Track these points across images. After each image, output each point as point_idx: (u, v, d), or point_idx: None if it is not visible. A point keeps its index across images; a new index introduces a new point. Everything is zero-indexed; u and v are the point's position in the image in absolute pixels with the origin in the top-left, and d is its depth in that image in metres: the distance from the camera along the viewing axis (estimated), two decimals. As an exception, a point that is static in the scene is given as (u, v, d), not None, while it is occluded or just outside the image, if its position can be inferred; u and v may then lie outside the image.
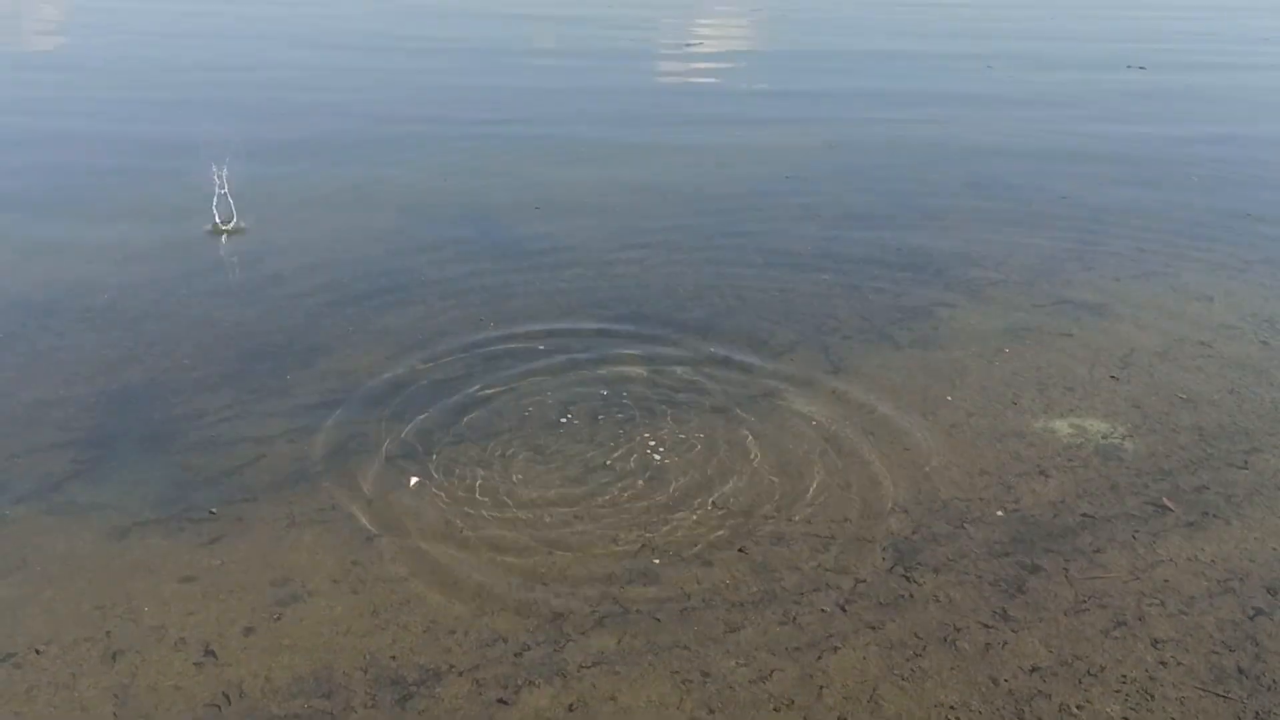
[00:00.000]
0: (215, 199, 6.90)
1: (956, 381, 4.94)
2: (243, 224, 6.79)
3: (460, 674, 3.08)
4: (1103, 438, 4.45)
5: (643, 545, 3.69)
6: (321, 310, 5.72)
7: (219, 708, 2.96)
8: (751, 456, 4.26)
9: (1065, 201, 7.35)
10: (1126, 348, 5.30)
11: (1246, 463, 4.28)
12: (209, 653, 3.16)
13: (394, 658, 3.15)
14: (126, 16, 12.35)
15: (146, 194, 7.34)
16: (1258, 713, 2.99)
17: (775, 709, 2.96)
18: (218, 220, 6.79)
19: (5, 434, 4.40)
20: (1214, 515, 3.92)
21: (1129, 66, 10.50)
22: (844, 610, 3.37)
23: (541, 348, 5.25)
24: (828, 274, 6.27)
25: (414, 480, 4.10)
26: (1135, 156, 8.29)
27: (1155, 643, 3.23)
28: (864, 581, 3.51)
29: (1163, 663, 3.15)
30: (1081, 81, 10.12)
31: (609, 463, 4.22)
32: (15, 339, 5.33)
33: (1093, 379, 4.97)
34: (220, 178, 6.82)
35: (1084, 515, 3.90)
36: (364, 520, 3.83)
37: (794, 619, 3.32)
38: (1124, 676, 3.09)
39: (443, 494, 3.99)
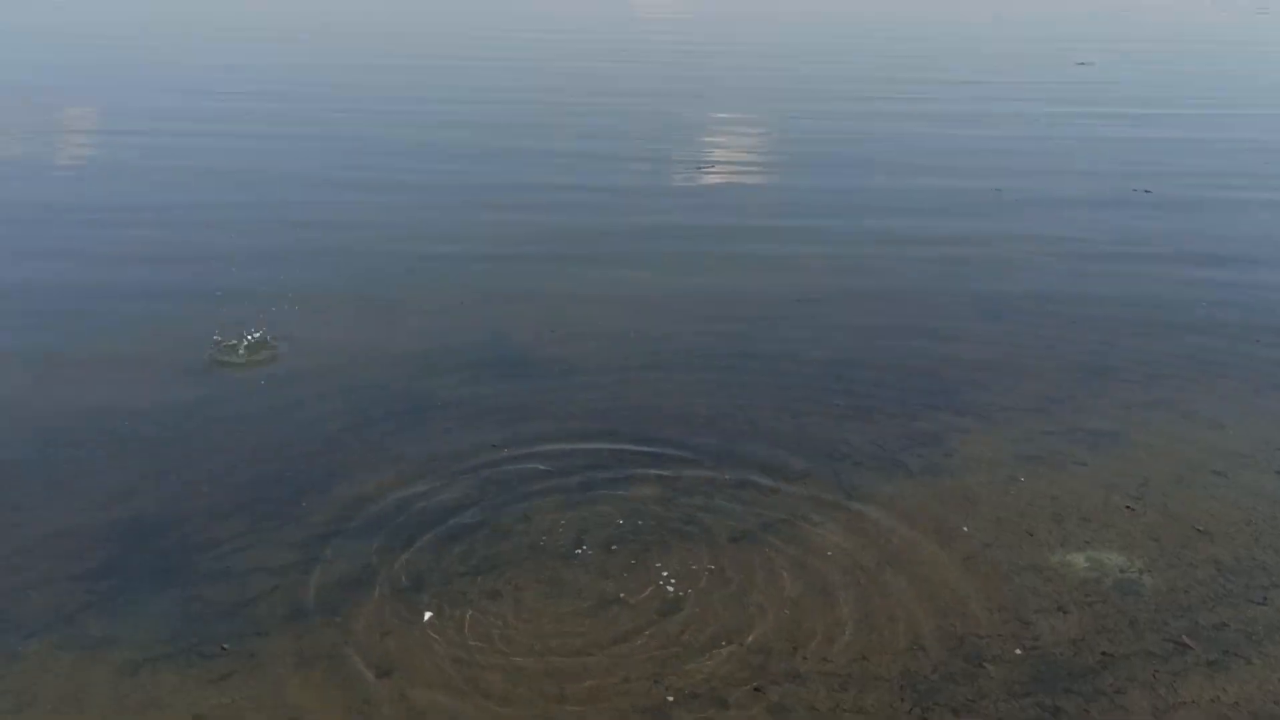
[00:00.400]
0: (241, 336, 6.99)
1: (971, 511, 4.93)
2: (260, 350, 6.86)
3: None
4: (1120, 571, 4.42)
5: (655, 684, 3.66)
6: (337, 434, 5.76)
7: None
8: (767, 590, 4.24)
9: (1075, 326, 7.41)
10: (1140, 477, 5.29)
11: (1265, 598, 4.24)
12: (218, 797, 3.12)
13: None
14: (131, 127, 12.68)
15: (164, 316, 7.44)
16: None
17: None
18: (235, 344, 6.86)
19: (20, 565, 4.41)
20: (1235, 654, 3.88)
21: (1135, 189, 10.67)
22: (862, 755, 3.32)
23: (556, 472, 5.26)
24: (839, 398, 6.29)
25: (427, 615, 4.08)
26: (1142, 280, 8.37)
27: (1180, 791, 3.17)
28: (882, 724, 3.47)
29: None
30: (1088, 202, 10.28)
31: (623, 595, 4.20)
32: (33, 465, 5.37)
33: (1108, 509, 4.95)
34: (258, 325, 6.92)
35: (1104, 654, 3.86)
36: (375, 658, 3.81)
37: (811, 764, 3.27)
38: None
39: (454, 631, 3.97)
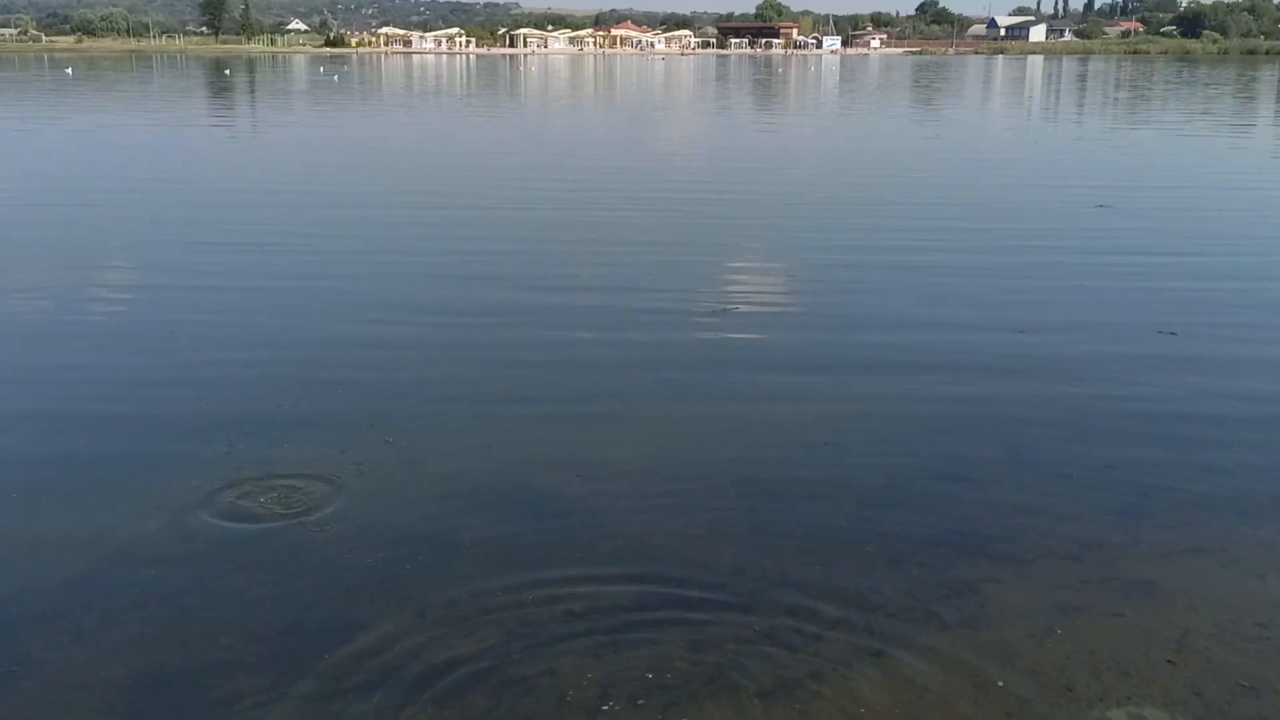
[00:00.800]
0: (261, 481, 7.02)
1: (1007, 664, 4.81)
2: (281, 495, 6.87)
3: None
4: (1164, 730, 4.28)
5: None
6: (358, 579, 5.72)
7: None
8: (798, 749, 4.12)
9: (1108, 472, 7.33)
10: (1180, 629, 5.16)
11: (1319, 760, 4.09)
12: None
13: None
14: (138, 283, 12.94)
15: (183, 460, 7.49)
16: None
17: None
18: (256, 490, 6.88)
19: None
20: (1290, 821, 3.71)
21: (1160, 332, 10.67)
22: None
23: (581, 617, 5.19)
24: (869, 544, 6.22)
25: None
26: (1172, 425, 8.31)
27: None
28: None
29: None
30: (1112, 342, 10.29)
31: (650, 755, 4.10)
32: (58, 616, 5.34)
33: (1148, 663, 4.82)
34: (279, 470, 6.96)
35: (1151, 820, 3.71)
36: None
37: None
38: None
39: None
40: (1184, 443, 7.91)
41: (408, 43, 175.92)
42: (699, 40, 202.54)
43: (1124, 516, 6.63)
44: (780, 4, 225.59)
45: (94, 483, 7.11)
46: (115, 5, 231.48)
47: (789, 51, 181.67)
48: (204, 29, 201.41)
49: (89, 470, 7.32)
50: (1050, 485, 7.14)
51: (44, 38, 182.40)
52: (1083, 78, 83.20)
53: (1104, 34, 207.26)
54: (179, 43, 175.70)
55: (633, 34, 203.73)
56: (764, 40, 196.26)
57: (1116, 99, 55.42)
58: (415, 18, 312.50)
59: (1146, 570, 5.85)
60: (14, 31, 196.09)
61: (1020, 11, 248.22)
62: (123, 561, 5.97)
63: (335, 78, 74.28)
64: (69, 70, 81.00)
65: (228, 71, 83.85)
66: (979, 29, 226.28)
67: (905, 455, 7.66)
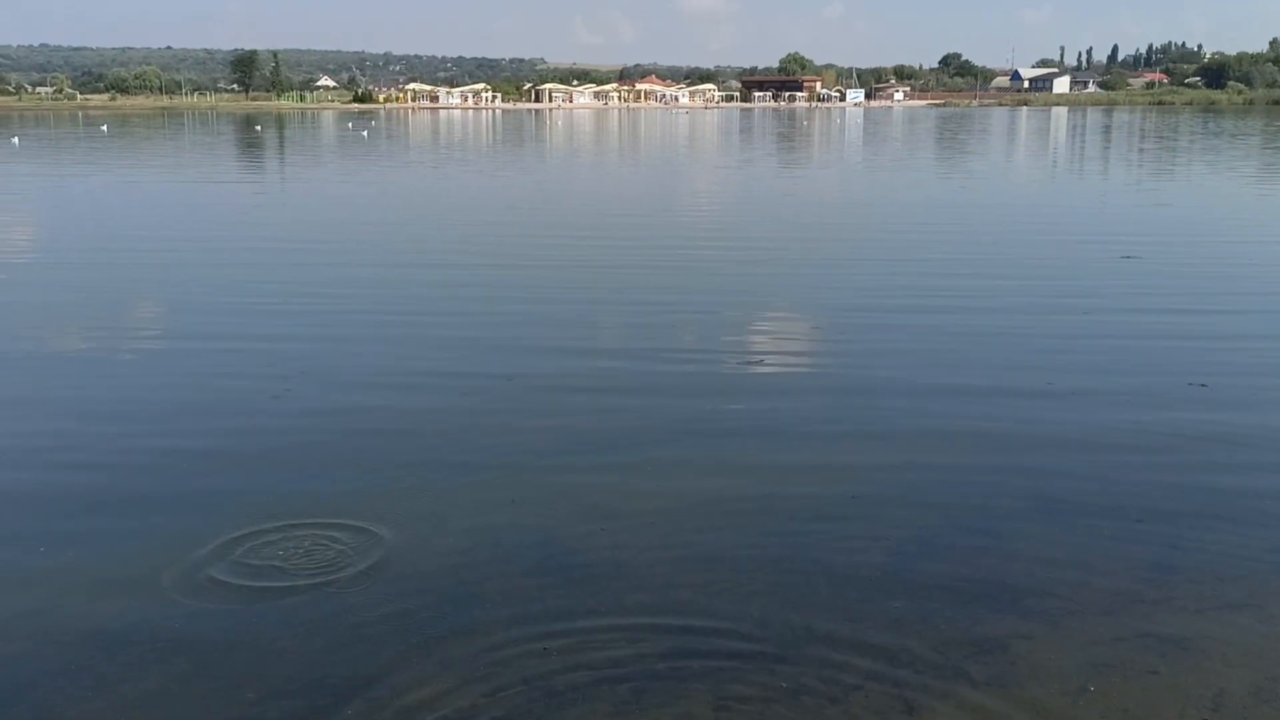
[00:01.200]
0: (283, 540, 7.03)
1: (1039, 724, 4.72)
2: (304, 553, 6.86)
3: None
4: (1202, 792, 4.18)
5: None
6: (386, 637, 5.69)
7: None
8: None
9: (1140, 525, 7.24)
10: (1216, 687, 5.06)
11: (1363, 824, 3.98)
12: None
13: None
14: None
15: (198, 520, 7.51)
16: None
17: None
18: (279, 549, 6.87)
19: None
20: None
21: (1190, 384, 10.58)
22: None
23: (606, 672, 5.14)
24: (898, 599, 6.15)
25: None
26: (1204, 477, 8.21)
27: None
28: None
29: None
30: (1141, 394, 10.21)
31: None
32: (81, 668, 5.34)
33: (1184, 722, 4.73)
34: (300, 527, 6.97)
35: None
36: None
37: None
38: None
39: None
40: (1216, 495, 7.81)
41: (434, 98, 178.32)
42: (723, 94, 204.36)
43: (1156, 571, 6.53)
44: (803, 58, 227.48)
45: (119, 533, 7.14)
46: (149, 64, 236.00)
47: (812, 104, 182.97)
48: (235, 86, 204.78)
49: (115, 520, 7.35)
50: (1080, 539, 7.04)
51: (79, 96, 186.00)
52: (1108, 129, 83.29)
53: (1128, 85, 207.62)
54: (210, 100, 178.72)
55: (657, 88, 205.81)
56: (787, 93, 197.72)
57: (1142, 150, 55.42)
58: (442, 73, 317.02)
59: (1180, 626, 5.75)
60: (50, 90, 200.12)
61: (1043, 63, 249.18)
62: (147, 613, 5.97)
63: (364, 133, 75.24)
64: (104, 127, 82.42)
65: (258, 128, 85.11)
66: (1002, 81, 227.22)
67: (933, 508, 7.59)
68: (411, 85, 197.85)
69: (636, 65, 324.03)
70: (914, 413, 9.75)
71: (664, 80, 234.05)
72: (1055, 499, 7.72)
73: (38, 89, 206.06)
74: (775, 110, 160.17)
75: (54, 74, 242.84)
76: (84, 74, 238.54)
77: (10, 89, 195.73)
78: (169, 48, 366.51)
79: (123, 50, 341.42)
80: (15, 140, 62.56)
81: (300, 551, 6.77)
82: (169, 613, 5.98)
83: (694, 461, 8.51)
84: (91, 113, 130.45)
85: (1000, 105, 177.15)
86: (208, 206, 28.39)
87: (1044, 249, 20.07)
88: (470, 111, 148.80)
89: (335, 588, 6.32)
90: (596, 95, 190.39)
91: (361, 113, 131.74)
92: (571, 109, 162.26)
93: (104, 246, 20.71)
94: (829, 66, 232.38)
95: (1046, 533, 7.15)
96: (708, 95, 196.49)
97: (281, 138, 71.80)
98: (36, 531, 7.16)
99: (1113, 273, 17.03)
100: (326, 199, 31.41)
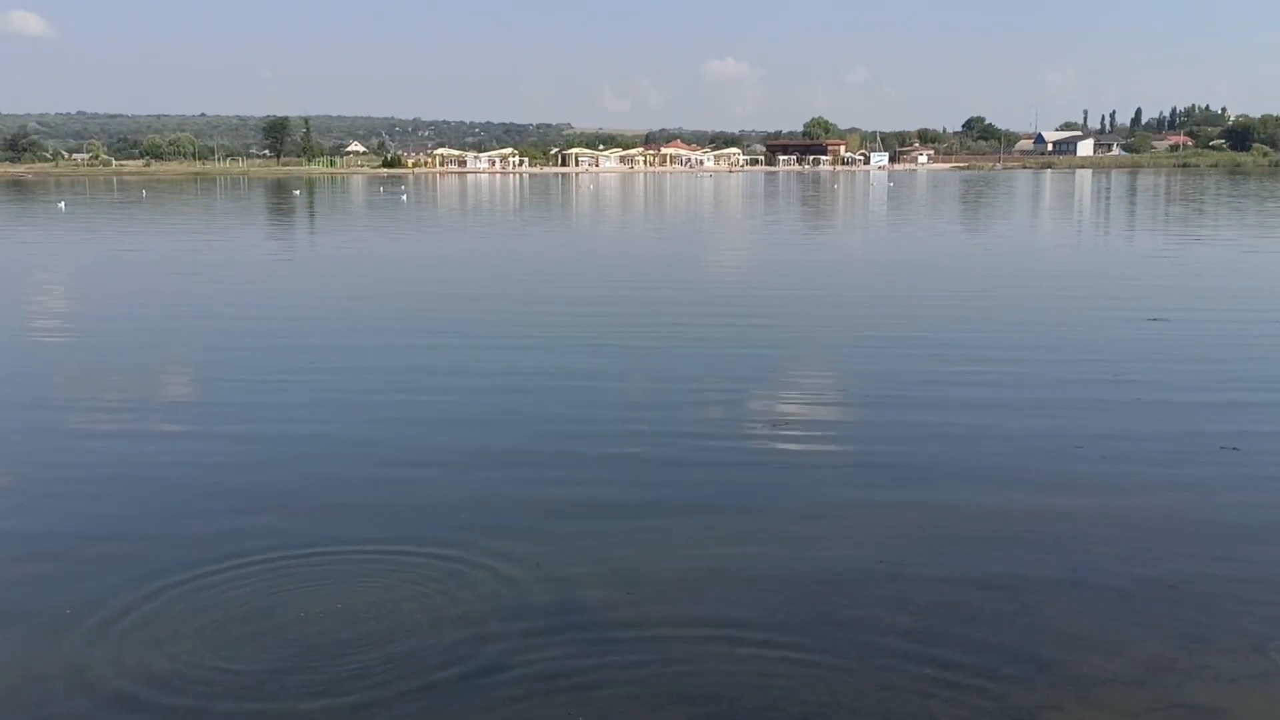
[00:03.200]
0: (303, 599, 7.02)
1: (1071, 797, 4.63)
2: (321, 606, 6.85)
3: None
4: None
5: None
6: (403, 709, 5.66)
7: None
8: None
9: (1173, 592, 7.14)
10: (1254, 760, 4.95)
11: None
12: None
13: None
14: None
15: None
16: None
17: None
18: (299, 608, 6.87)
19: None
20: None
21: (1221, 447, 10.46)
22: None
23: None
24: (926, 667, 6.07)
25: None
26: (1236, 544, 8.09)
27: None
28: None
29: None
30: (1172, 457, 10.11)
31: None
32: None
33: (1221, 797, 4.62)
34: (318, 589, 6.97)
35: None
36: None
37: None
38: None
39: None
40: (1248, 562, 7.70)
41: (462, 163, 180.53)
42: (747, 157, 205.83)
43: (1189, 640, 6.43)
44: (827, 121, 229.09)
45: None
46: (183, 129, 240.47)
47: (836, 168, 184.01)
48: (266, 151, 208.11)
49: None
50: (1111, 606, 6.95)
51: (114, 162, 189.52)
52: (1133, 191, 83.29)
53: (1152, 148, 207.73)
54: (242, 165, 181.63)
55: (682, 152, 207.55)
56: (812, 157, 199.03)
57: (1168, 213, 55.34)
58: (470, 138, 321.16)
59: (1214, 697, 5.65)
60: (85, 156, 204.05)
61: (1067, 126, 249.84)
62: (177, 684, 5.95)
63: (404, 198, 76.41)
64: (143, 193, 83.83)
65: (297, 192, 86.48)
66: (1026, 144, 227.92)
67: (960, 573, 7.51)
68: (440, 150, 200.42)
69: (662, 129, 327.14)
70: (938, 476, 9.67)
71: (689, 144, 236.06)
72: (1085, 566, 7.63)
73: (74, 155, 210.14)
74: (800, 173, 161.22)
75: (89, 140, 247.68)
76: (119, 140, 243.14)
77: (47, 155, 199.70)
78: (203, 114, 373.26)
79: (157, 117, 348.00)
80: (61, 205, 63.93)
81: (319, 614, 6.76)
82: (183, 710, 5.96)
83: (718, 527, 8.46)
84: (126, 178, 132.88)
85: (1024, 168, 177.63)
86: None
87: (1070, 311, 20.00)
88: (498, 176, 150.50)
89: (352, 651, 6.30)
90: (622, 159, 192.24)
91: (390, 177, 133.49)
92: (598, 173, 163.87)
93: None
94: (853, 130, 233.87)
95: (1076, 600, 7.06)
96: (732, 159, 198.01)
97: (323, 202, 72.65)
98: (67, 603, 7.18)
99: (1140, 336, 16.93)
100: (373, 263, 31.74)
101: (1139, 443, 10.72)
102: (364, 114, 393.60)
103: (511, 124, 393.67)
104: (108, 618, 6.79)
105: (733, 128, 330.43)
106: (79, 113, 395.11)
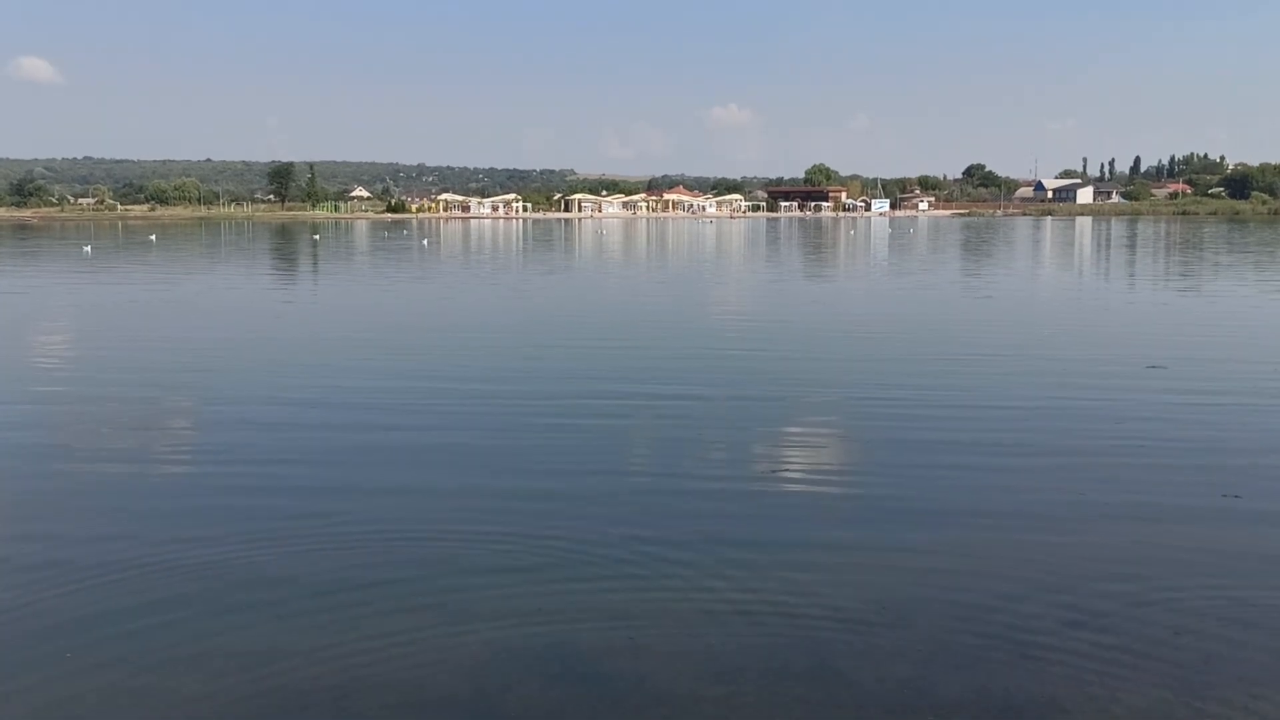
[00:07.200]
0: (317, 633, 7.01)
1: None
2: (334, 662, 6.85)
3: None
4: None
5: None
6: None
7: None
8: None
9: (1175, 639, 7.12)
10: (1255, 809, 4.93)
11: None
12: None
13: None
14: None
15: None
16: None
17: None
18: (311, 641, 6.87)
19: None
20: None
21: (1224, 495, 10.47)
22: None
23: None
24: (927, 717, 6.05)
25: None
26: (1241, 589, 8.08)
27: None
28: None
29: None
30: (1173, 504, 10.12)
31: None
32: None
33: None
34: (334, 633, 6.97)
35: None
36: None
37: None
38: None
39: None
40: (1250, 608, 7.69)
41: (466, 208, 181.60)
42: (749, 203, 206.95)
43: (1189, 687, 6.42)
44: (828, 168, 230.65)
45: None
46: (189, 174, 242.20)
47: (838, 214, 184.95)
48: (271, 196, 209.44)
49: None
50: (1111, 654, 6.94)
51: (119, 206, 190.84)
52: (1132, 239, 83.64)
53: (1151, 196, 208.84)
54: (246, 210, 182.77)
55: (684, 198, 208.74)
56: (813, 203, 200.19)
57: (1169, 262, 55.54)
58: (474, 184, 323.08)
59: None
60: (91, 201, 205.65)
61: (1066, 174, 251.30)
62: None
63: (425, 241, 77.70)
64: (152, 237, 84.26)
65: (316, 236, 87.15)
66: (1026, 191, 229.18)
67: (961, 621, 7.50)
68: (444, 195, 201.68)
69: (665, 176, 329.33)
70: (942, 525, 9.68)
71: (691, 190, 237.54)
72: (1086, 611, 7.62)
73: (80, 200, 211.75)
74: (801, 220, 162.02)
75: (95, 185, 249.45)
76: (125, 185, 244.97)
77: (54, 200, 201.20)
78: (208, 160, 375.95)
79: (163, 162, 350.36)
80: (88, 249, 64.47)
81: (321, 659, 6.76)
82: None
83: (718, 571, 8.46)
84: (131, 223, 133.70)
85: (1025, 215, 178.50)
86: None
87: (1071, 360, 20.04)
88: (501, 221, 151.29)
89: (353, 700, 6.30)
90: (625, 205, 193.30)
91: (395, 222, 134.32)
92: (601, 218, 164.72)
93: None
94: (854, 177, 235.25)
95: (1076, 647, 7.05)
96: (734, 205, 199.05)
97: (342, 247, 72.99)
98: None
99: (1140, 385, 16.93)
100: (380, 308, 31.87)
101: (1141, 492, 10.70)
102: (369, 159, 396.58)
103: (515, 169, 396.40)
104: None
105: (735, 174, 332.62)
106: (85, 158, 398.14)
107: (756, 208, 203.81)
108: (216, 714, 6.22)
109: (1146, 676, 6.57)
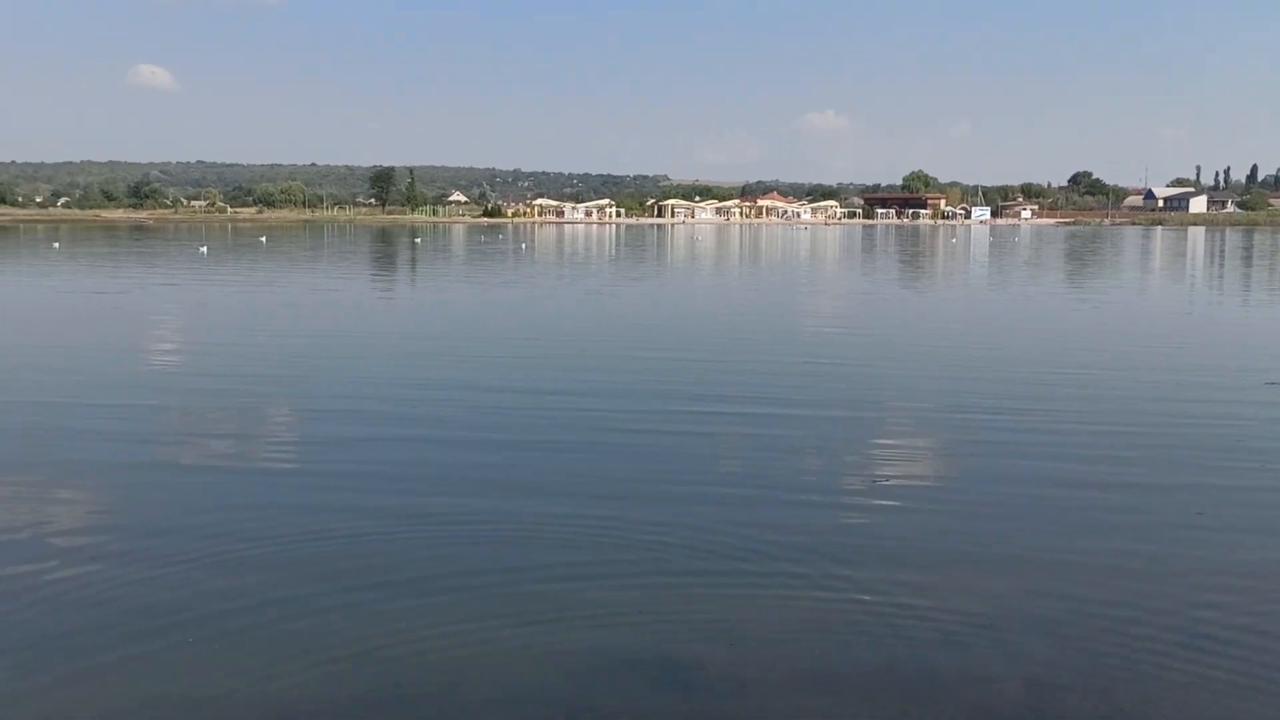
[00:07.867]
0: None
1: None
2: (425, 664, 6.91)
3: None
4: None
5: None
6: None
7: None
8: None
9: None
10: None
11: None
12: None
13: None
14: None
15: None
16: None
17: None
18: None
19: None
20: None
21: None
22: None
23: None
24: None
25: None
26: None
27: None
28: None
29: None
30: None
31: None
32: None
33: None
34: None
35: None
36: None
37: None
38: None
39: None
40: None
41: (560, 212, 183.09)
42: (845, 210, 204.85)
43: (1318, 716, 6.14)
44: (927, 175, 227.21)
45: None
46: (294, 178, 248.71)
47: (936, 222, 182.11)
48: (372, 200, 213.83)
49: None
50: (1230, 675, 6.67)
51: (229, 209, 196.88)
52: (1248, 249, 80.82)
53: (1269, 205, 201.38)
54: (349, 213, 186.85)
55: (779, 204, 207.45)
56: (911, 210, 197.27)
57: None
58: (568, 189, 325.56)
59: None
60: (203, 203, 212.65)
61: (1178, 182, 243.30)
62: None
63: (523, 246, 78.83)
64: (263, 239, 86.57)
65: (418, 240, 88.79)
66: (1135, 199, 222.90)
67: (1070, 640, 7.28)
68: (539, 200, 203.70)
69: (759, 182, 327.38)
70: (1049, 539, 9.44)
71: (786, 197, 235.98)
72: (1204, 634, 7.35)
73: (192, 202, 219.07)
74: (898, 227, 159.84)
75: (207, 188, 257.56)
76: (234, 188, 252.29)
77: (168, 202, 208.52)
78: (313, 164, 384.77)
79: (271, 166, 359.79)
80: (203, 249, 66.62)
81: (415, 663, 6.83)
82: None
83: (822, 581, 8.36)
84: (240, 224, 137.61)
85: (1133, 224, 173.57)
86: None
87: (1185, 374, 19.43)
88: (595, 226, 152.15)
89: (454, 705, 6.34)
90: (718, 211, 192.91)
91: (490, 226, 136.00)
92: (694, 224, 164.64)
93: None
94: (953, 184, 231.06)
95: (1193, 669, 6.80)
96: (830, 211, 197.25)
97: (449, 249, 74.18)
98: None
99: (1259, 400, 16.35)
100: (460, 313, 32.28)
101: (1259, 511, 10.32)
102: (466, 164, 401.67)
103: (609, 175, 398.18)
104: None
105: (830, 180, 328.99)
106: (198, 162, 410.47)
107: (852, 215, 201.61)
108: (321, 706, 6.32)
109: (1273, 697, 6.31)
